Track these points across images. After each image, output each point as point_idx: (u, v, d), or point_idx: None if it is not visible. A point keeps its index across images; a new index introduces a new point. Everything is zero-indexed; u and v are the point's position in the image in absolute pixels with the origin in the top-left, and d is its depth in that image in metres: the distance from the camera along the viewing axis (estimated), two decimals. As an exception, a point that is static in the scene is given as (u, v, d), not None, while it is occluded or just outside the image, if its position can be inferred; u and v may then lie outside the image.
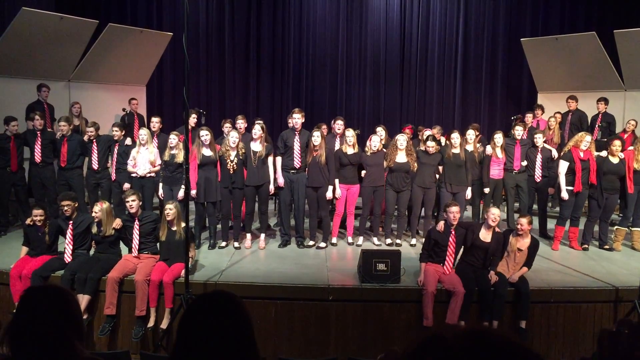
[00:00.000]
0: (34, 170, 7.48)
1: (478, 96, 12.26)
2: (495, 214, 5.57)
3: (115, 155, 7.38)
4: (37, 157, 7.43)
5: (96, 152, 7.43)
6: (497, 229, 5.69)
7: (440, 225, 5.74)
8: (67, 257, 5.75)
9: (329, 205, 7.08)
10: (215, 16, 11.99)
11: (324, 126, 7.99)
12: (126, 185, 7.15)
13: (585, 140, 6.88)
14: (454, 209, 5.63)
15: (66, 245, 5.81)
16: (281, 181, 6.92)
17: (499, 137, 7.37)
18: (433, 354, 0.91)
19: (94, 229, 5.76)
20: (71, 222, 5.82)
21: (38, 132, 7.44)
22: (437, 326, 5.24)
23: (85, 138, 7.53)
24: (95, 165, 7.44)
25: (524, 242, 5.62)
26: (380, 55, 12.17)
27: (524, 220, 5.58)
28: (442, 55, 12.18)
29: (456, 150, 7.10)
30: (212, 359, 1.48)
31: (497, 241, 5.59)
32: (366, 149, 7.07)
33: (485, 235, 5.58)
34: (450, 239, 5.62)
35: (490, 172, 7.35)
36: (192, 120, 7.94)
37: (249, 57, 12.10)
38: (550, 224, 7.58)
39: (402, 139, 6.97)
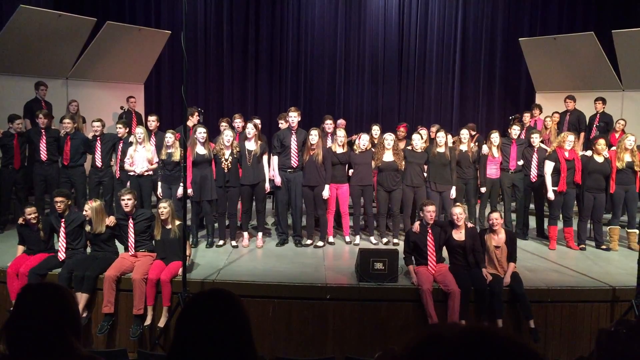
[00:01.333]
0: (39, 168, 7.46)
1: (476, 95, 12.27)
2: (457, 212, 5.60)
3: (119, 153, 7.36)
4: (43, 155, 7.42)
5: (100, 149, 7.42)
6: (469, 224, 5.71)
7: (416, 225, 5.76)
8: (61, 255, 5.74)
9: (325, 204, 7.08)
10: (214, 15, 11.97)
11: (328, 121, 7.80)
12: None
13: (568, 140, 6.93)
14: (430, 208, 5.67)
15: (60, 243, 5.80)
16: (278, 180, 6.91)
17: (495, 137, 7.41)
18: (432, 353, 0.90)
19: (87, 227, 5.75)
20: (63, 219, 5.81)
21: (43, 130, 7.43)
22: (438, 324, 5.23)
23: (91, 135, 7.53)
24: (98, 163, 7.42)
25: (500, 239, 5.61)
26: (378, 55, 12.18)
27: (496, 215, 5.61)
28: (441, 54, 12.18)
29: (441, 149, 7.13)
30: (210, 357, 1.48)
31: (472, 237, 5.60)
32: (354, 147, 7.08)
33: (458, 234, 5.60)
34: (428, 237, 5.64)
35: (487, 172, 7.38)
36: (195, 118, 7.94)
37: (247, 56, 12.09)
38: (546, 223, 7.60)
39: (389, 138, 7.00)
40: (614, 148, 7.20)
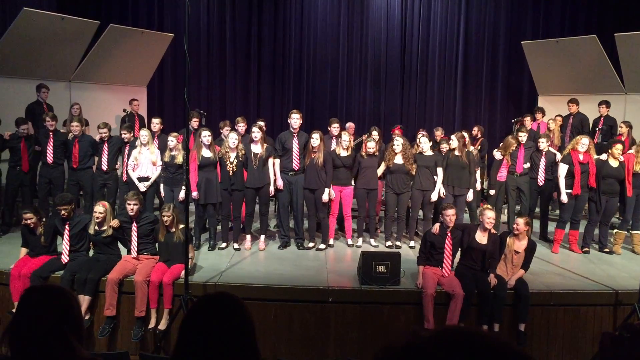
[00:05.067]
0: (44, 170, 7.48)
1: (478, 98, 12.25)
2: (490, 216, 5.55)
3: (125, 157, 7.37)
4: (49, 158, 7.43)
5: (106, 153, 7.43)
6: (493, 231, 5.68)
7: (436, 227, 5.72)
8: (64, 258, 5.74)
9: (326, 207, 7.08)
10: (216, 17, 12.00)
11: (335, 124, 7.71)
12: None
13: (582, 143, 6.90)
14: (450, 211, 5.61)
15: (63, 246, 5.80)
16: (280, 183, 6.91)
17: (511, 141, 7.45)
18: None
19: (91, 230, 5.75)
20: (68, 222, 5.81)
21: (50, 133, 7.45)
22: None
23: (98, 138, 7.54)
24: (104, 166, 7.43)
25: (521, 244, 5.61)
26: (381, 57, 12.18)
27: (520, 221, 5.57)
28: (443, 57, 12.18)
29: (457, 153, 7.11)
30: (213, 360, 1.48)
31: (494, 243, 5.57)
32: (362, 152, 7.08)
33: (481, 237, 5.57)
34: (446, 241, 5.62)
35: (497, 175, 7.40)
36: (194, 122, 7.95)
37: (249, 59, 12.11)
38: (551, 227, 7.58)
39: (398, 143, 6.98)
40: (631, 151, 7.15)
